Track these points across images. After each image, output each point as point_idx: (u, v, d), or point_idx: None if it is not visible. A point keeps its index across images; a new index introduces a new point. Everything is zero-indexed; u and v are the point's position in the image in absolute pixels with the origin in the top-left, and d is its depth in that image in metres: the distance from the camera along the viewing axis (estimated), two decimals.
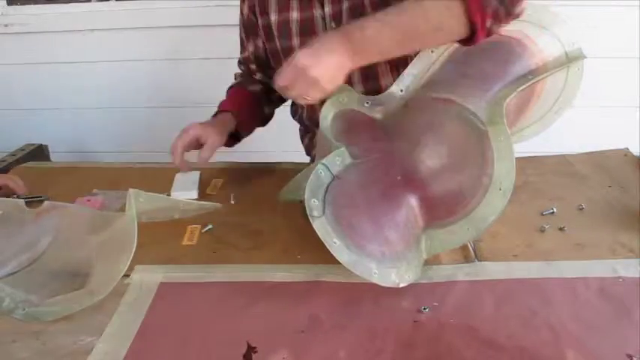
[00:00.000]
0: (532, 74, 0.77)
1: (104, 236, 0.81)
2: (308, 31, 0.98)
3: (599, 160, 1.05)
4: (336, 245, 0.69)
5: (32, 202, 0.93)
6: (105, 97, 1.83)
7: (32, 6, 1.73)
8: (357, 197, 0.74)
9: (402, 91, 0.84)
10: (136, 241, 0.73)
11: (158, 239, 0.84)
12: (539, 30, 0.79)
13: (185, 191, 0.97)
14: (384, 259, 0.70)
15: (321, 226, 0.69)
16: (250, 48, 1.11)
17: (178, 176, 1.02)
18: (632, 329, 0.62)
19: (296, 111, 1.16)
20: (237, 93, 1.14)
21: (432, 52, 0.83)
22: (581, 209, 0.89)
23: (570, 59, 0.80)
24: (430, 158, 0.76)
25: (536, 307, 0.66)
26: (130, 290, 0.72)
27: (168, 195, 0.95)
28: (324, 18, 0.96)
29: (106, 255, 0.77)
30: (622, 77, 1.63)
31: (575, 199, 0.91)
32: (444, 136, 0.77)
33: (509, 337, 0.61)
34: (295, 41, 0.99)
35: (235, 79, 1.18)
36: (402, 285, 0.69)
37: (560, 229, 0.83)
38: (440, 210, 0.74)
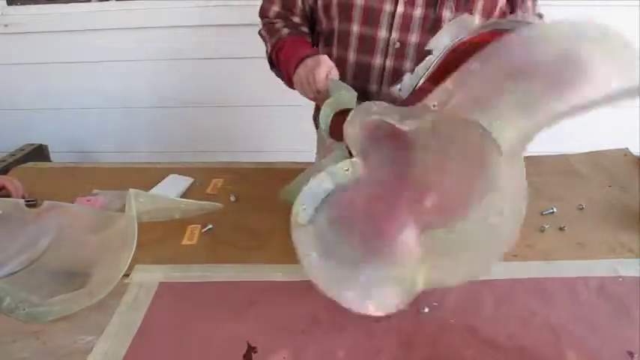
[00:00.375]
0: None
1: (104, 236, 0.81)
2: None
3: (599, 160, 1.05)
4: (310, 258, 0.65)
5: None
6: (105, 97, 1.83)
7: (32, 6, 1.73)
8: (354, 215, 0.70)
9: (399, 91, 0.84)
10: (136, 241, 0.73)
11: (158, 239, 0.84)
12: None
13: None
14: (367, 284, 0.67)
15: (302, 234, 0.66)
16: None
17: (170, 177, 1.02)
18: (632, 329, 0.62)
19: None
20: (300, 39, 1.01)
21: (429, 52, 0.83)
22: (581, 209, 0.89)
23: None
24: (445, 192, 0.70)
25: (536, 307, 0.66)
26: (130, 290, 0.72)
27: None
28: None
29: (106, 255, 0.77)
30: None
31: (575, 199, 0.91)
32: (465, 170, 0.70)
33: (509, 337, 0.61)
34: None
35: (266, 34, 1.06)
36: (378, 314, 0.65)
37: (560, 228, 0.83)
38: (442, 217, 0.71)
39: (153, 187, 0.97)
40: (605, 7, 1.58)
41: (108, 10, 1.72)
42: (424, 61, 0.84)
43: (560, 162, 1.06)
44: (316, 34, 1.07)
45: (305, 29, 1.05)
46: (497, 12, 0.95)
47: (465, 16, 0.83)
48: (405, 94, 0.83)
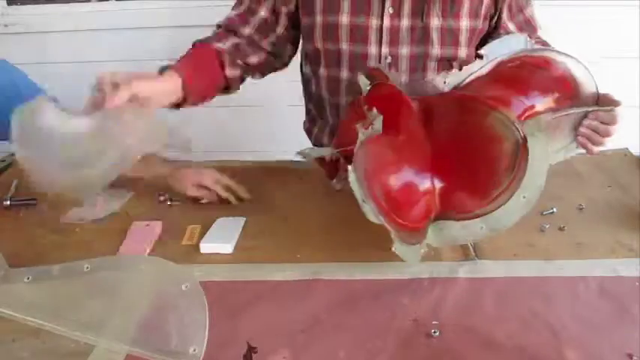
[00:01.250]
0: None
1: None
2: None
3: (599, 160, 1.05)
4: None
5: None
6: None
7: (32, 6, 1.73)
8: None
9: (445, 82, 0.85)
10: None
11: (158, 239, 0.84)
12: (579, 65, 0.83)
13: (218, 243, 0.81)
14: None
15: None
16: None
17: (219, 222, 0.87)
18: (632, 328, 0.62)
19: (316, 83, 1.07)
20: (197, 53, 1.06)
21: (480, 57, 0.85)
22: (581, 209, 0.89)
23: (600, 104, 0.85)
24: (463, 149, 0.78)
25: (536, 306, 0.66)
26: None
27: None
28: None
29: None
30: (622, 77, 1.63)
31: (575, 199, 0.91)
32: (481, 134, 0.77)
33: (509, 337, 0.61)
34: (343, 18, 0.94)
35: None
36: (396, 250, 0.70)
37: (560, 228, 0.83)
38: (459, 200, 0.76)
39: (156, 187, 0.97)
40: (605, 7, 1.58)
41: (108, 10, 1.72)
42: (472, 64, 0.85)
43: (560, 162, 1.06)
44: (302, 53, 1.08)
45: (253, 42, 1.02)
46: (483, 12, 0.95)
47: (524, 35, 0.86)
48: (447, 88, 0.84)
